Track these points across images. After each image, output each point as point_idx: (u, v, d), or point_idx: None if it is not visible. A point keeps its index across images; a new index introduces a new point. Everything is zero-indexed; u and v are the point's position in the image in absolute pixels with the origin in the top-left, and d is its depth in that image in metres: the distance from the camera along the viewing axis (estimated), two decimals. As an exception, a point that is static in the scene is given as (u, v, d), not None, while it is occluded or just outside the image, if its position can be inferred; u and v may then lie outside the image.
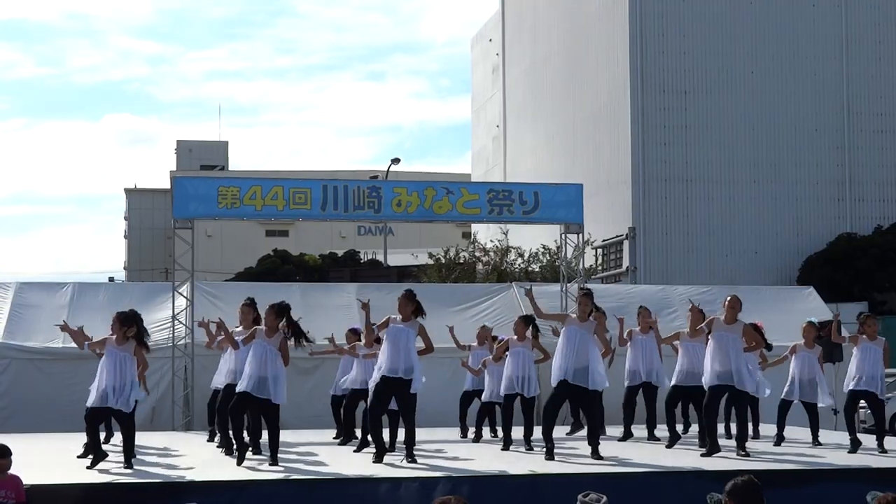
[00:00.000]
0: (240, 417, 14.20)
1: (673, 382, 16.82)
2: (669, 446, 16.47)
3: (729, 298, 15.39)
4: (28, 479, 11.53)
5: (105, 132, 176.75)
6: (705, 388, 15.37)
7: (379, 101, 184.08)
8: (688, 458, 14.91)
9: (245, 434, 14.65)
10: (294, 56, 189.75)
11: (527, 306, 24.08)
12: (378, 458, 14.20)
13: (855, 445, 15.99)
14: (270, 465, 13.69)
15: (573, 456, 14.93)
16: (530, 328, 16.90)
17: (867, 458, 14.97)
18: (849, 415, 16.45)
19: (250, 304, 15.97)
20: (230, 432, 14.69)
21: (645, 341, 18.11)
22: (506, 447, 16.19)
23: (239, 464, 13.74)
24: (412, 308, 14.60)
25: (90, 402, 14.09)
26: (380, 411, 14.49)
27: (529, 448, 15.99)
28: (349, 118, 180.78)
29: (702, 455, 15.02)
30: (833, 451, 16.06)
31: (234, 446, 14.34)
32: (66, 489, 12.02)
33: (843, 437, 17.40)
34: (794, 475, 13.37)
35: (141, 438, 17.16)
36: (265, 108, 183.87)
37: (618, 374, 18.37)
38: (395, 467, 13.75)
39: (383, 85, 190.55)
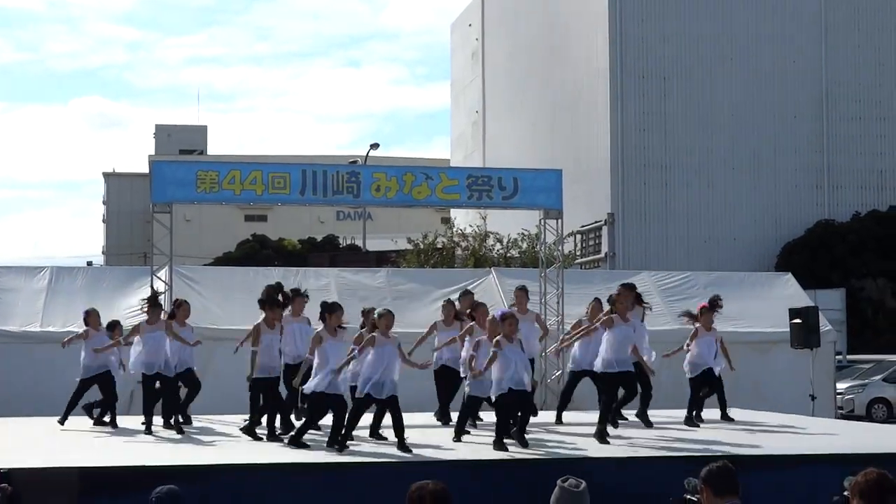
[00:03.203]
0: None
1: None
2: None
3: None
4: (9, 462, 11.51)
5: (73, 116, 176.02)
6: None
7: (357, 87, 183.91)
8: (664, 443, 14.97)
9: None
10: (272, 42, 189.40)
11: (506, 293, 24.16)
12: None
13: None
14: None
15: (550, 442, 14.98)
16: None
17: (845, 444, 15.04)
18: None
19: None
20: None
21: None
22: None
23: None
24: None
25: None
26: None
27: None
28: (327, 105, 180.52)
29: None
30: (812, 436, 16.14)
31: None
32: (50, 472, 12.00)
33: (818, 423, 17.51)
34: (770, 460, 13.44)
35: (121, 422, 17.21)
36: (243, 94, 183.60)
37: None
38: (373, 455, 13.77)
39: (360, 71, 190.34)
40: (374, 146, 56.79)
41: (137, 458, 13.24)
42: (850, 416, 30.04)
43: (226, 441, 15.31)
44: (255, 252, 66.20)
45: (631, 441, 15.16)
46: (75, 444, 15.18)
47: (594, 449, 14.14)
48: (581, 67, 50.39)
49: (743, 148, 47.79)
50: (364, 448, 14.20)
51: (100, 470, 12.29)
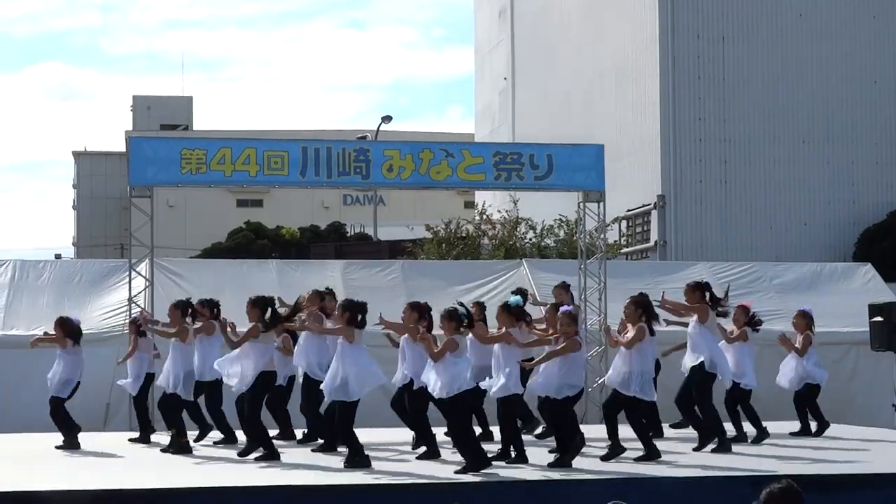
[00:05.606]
0: None
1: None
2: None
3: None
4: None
5: (29, 86, 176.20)
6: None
7: (362, 52, 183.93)
8: (732, 461, 15.04)
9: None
10: (263, 2, 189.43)
11: (539, 287, 24.20)
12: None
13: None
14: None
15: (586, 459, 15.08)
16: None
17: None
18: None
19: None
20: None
21: None
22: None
23: None
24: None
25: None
26: None
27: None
28: (328, 73, 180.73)
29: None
30: (883, 454, 16.16)
31: None
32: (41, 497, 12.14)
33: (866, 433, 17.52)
34: (845, 481, 13.45)
35: (97, 440, 17.34)
36: (231, 61, 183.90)
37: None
38: (390, 475, 13.88)
39: (366, 34, 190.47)
40: (386, 119, 56.93)
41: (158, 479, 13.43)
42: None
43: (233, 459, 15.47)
44: (248, 242, 66.39)
45: (697, 460, 15.25)
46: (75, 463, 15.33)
47: (656, 469, 14.23)
48: (626, 26, 50.32)
49: (815, 118, 47.58)
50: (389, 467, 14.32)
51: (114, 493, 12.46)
